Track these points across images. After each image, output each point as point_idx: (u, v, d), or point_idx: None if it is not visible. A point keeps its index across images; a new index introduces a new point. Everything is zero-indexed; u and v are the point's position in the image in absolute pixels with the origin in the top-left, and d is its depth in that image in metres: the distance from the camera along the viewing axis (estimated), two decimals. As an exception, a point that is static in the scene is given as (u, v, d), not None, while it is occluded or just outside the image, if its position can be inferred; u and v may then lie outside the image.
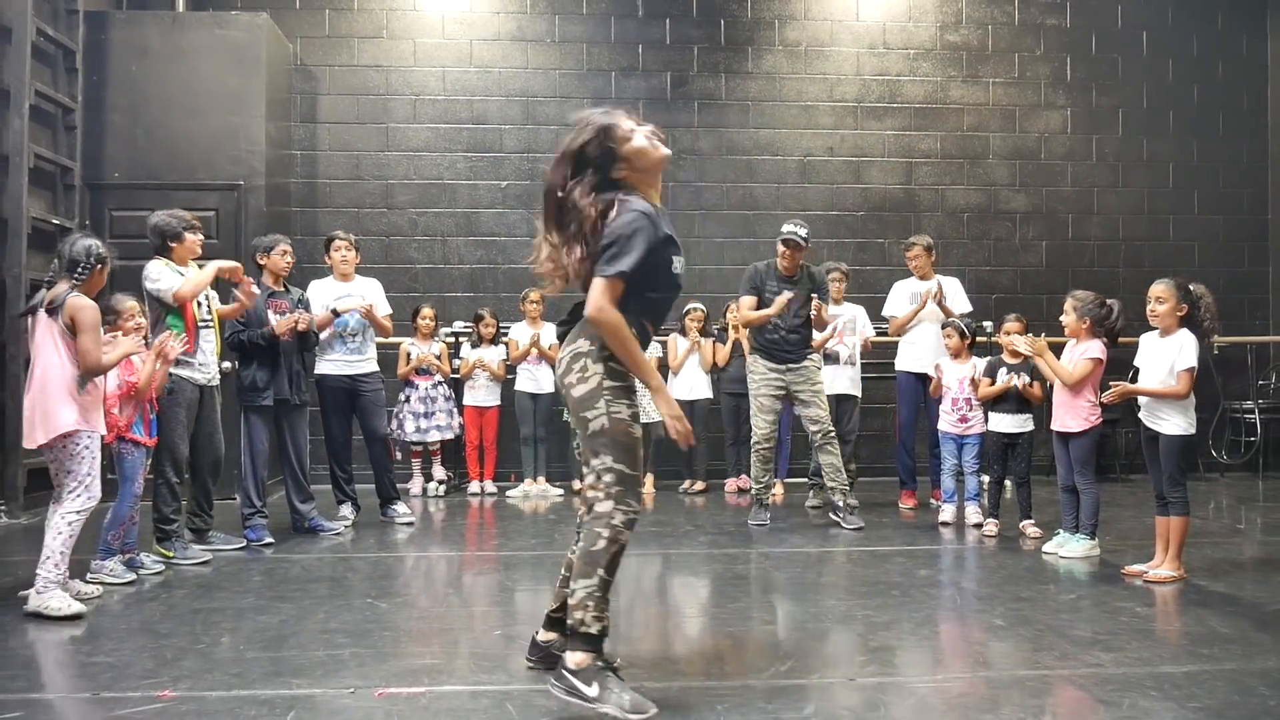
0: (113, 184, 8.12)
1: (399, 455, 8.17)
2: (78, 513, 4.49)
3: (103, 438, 4.68)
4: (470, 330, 8.58)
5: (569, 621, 3.26)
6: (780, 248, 6.77)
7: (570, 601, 3.27)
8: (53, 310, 4.48)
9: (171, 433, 5.52)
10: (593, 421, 3.25)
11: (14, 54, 7.08)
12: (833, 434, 6.84)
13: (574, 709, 3.17)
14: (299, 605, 4.58)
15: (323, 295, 6.78)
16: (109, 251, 4.72)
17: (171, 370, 5.48)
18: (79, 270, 4.54)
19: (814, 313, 6.67)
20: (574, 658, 3.19)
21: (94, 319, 4.51)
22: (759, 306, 6.77)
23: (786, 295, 6.65)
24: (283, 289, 6.43)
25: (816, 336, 7.01)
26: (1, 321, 7.02)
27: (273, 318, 6.25)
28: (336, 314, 6.67)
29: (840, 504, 6.74)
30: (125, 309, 5.00)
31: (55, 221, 7.57)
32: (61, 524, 4.45)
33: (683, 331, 8.45)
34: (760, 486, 6.95)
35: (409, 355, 8.18)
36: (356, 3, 9.23)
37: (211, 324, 5.81)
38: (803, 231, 6.75)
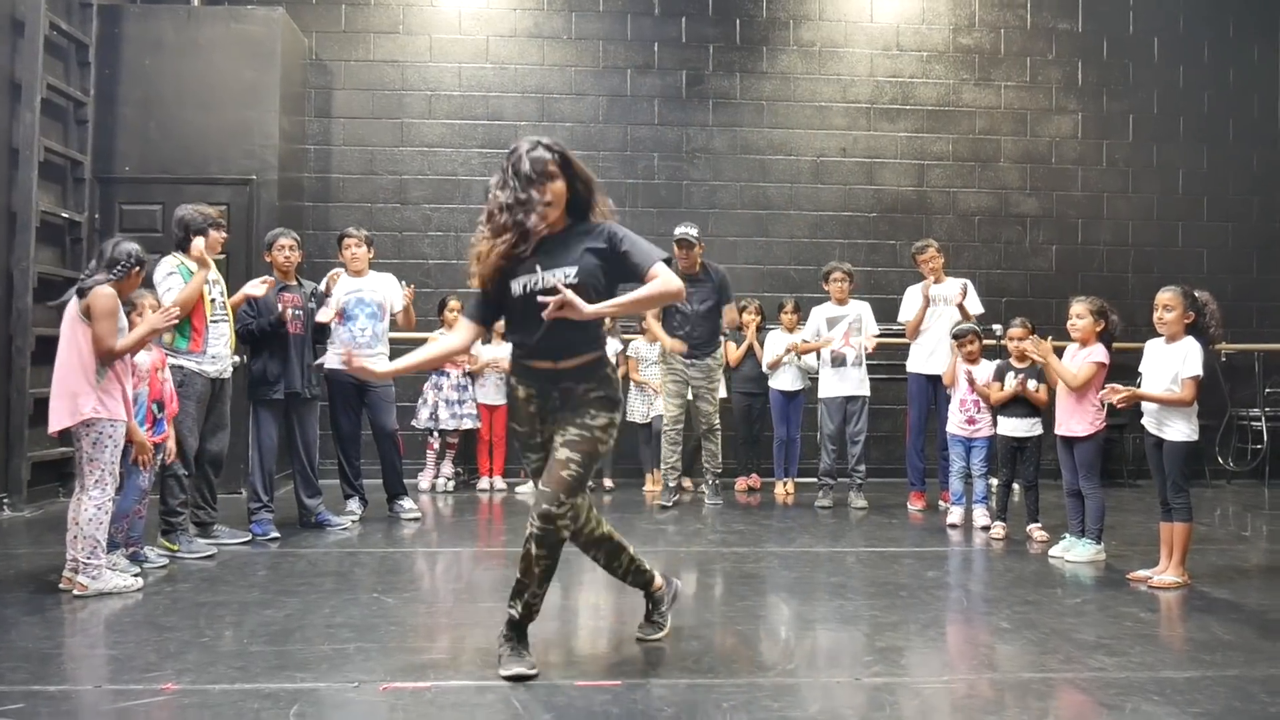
0: (123, 178, 8.12)
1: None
2: (107, 499, 4.65)
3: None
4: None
5: None
6: (675, 249, 7.15)
7: None
8: (82, 292, 4.64)
9: (181, 425, 5.53)
10: None
11: (27, 47, 7.09)
12: (717, 428, 7.59)
13: (577, 703, 3.19)
14: (304, 599, 4.60)
15: (336, 291, 6.77)
16: (146, 256, 4.92)
17: (183, 363, 5.54)
18: (118, 268, 4.74)
19: (725, 323, 7.42)
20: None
21: (110, 307, 4.63)
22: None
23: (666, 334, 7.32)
24: (295, 283, 6.43)
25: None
26: (8, 314, 7.04)
27: (288, 312, 6.25)
28: (343, 314, 6.67)
29: (710, 483, 7.61)
30: (140, 302, 5.06)
31: (65, 215, 7.59)
32: (94, 510, 4.60)
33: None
34: (668, 467, 7.49)
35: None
36: (371, -2, 9.25)
37: (225, 317, 5.84)
38: (694, 231, 7.22)
